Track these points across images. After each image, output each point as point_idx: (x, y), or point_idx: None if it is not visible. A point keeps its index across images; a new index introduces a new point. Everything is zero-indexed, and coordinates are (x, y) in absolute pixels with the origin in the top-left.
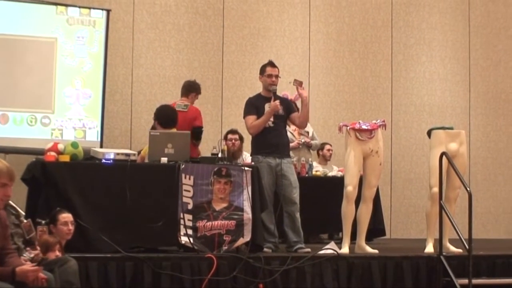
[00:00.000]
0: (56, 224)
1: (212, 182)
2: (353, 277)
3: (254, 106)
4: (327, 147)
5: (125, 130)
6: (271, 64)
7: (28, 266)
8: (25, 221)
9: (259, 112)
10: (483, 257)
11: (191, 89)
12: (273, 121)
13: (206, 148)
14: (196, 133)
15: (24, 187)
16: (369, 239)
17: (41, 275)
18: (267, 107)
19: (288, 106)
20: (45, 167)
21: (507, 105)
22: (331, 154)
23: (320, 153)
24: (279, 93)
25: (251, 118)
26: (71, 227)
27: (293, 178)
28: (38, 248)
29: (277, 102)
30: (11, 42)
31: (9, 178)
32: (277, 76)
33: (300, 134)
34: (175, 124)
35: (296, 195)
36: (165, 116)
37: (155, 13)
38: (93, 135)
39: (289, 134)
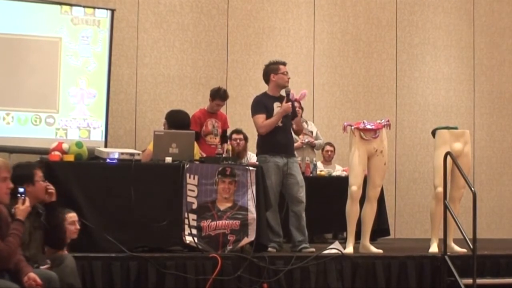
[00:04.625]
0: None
1: (217, 182)
2: (357, 276)
3: (263, 105)
4: (326, 147)
5: (129, 129)
6: (283, 62)
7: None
8: None
9: (268, 111)
10: (487, 257)
11: (209, 94)
12: (281, 121)
13: None
14: None
15: None
16: (373, 239)
17: (38, 280)
18: (275, 106)
19: (293, 109)
20: (50, 167)
21: (511, 105)
22: (330, 155)
23: (321, 153)
24: None
25: (261, 117)
26: (78, 227)
27: (300, 177)
28: None
29: (289, 104)
30: (16, 42)
31: (7, 171)
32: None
33: (304, 133)
34: (188, 129)
35: (302, 194)
36: (178, 121)
37: (159, 12)
38: (97, 135)
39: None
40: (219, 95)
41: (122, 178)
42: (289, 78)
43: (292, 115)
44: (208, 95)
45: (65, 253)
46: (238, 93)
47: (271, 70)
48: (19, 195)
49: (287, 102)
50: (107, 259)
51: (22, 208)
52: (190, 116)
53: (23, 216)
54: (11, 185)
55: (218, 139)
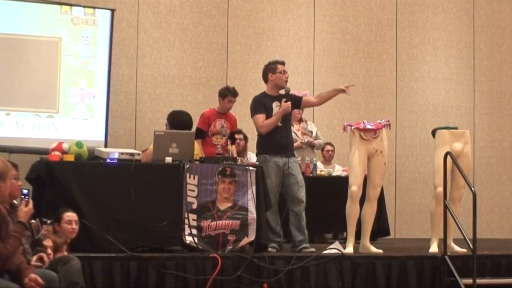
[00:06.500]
0: (60, 222)
1: (217, 182)
2: (357, 276)
3: (262, 104)
4: (327, 147)
5: (129, 129)
6: (282, 62)
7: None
8: (33, 221)
9: (267, 111)
10: (487, 256)
11: (218, 94)
12: (281, 121)
13: None
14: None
15: (28, 186)
16: (373, 238)
17: (40, 281)
18: (275, 106)
19: (295, 100)
20: (50, 167)
21: (511, 105)
22: (330, 155)
23: (321, 153)
24: None
25: (261, 117)
26: (75, 226)
27: (300, 177)
28: (48, 248)
29: (289, 103)
30: (16, 42)
31: (6, 172)
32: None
33: (303, 133)
34: (189, 129)
35: (302, 194)
36: (180, 122)
37: (159, 12)
38: (97, 135)
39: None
40: (230, 92)
41: (122, 178)
42: (287, 78)
43: (295, 106)
44: (208, 95)
45: (70, 255)
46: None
47: (269, 69)
48: (22, 196)
49: (286, 101)
50: (107, 259)
51: (25, 210)
52: (193, 116)
53: (25, 218)
54: (12, 186)
55: (224, 139)
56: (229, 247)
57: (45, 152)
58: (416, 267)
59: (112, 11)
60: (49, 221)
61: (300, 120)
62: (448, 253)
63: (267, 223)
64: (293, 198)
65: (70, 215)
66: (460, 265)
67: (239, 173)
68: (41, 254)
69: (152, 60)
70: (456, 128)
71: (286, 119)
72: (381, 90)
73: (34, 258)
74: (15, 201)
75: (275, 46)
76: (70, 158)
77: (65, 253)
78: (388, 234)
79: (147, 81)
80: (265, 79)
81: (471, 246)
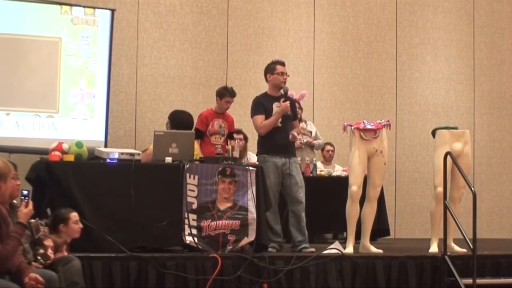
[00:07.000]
0: (67, 223)
1: (217, 182)
2: (357, 277)
3: (262, 105)
4: (327, 147)
5: (129, 129)
6: (282, 62)
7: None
8: (33, 221)
9: (267, 112)
10: (487, 256)
11: (216, 94)
12: (281, 121)
13: None
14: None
15: (28, 186)
16: (373, 239)
17: (40, 279)
18: (275, 106)
19: (293, 109)
20: (50, 167)
21: (511, 105)
22: (330, 155)
23: (321, 153)
24: None
25: (260, 118)
26: (81, 226)
27: (299, 178)
28: (49, 248)
29: (287, 103)
30: (16, 42)
31: (7, 173)
32: (287, 75)
33: (302, 134)
34: (190, 129)
35: (302, 194)
36: (181, 121)
37: (159, 12)
38: (97, 135)
39: None
40: (228, 92)
41: (122, 178)
42: (285, 78)
43: (293, 117)
44: (208, 95)
45: (70, 255)
46: (238, 93)
47: (268, 69)
48: (22, 197)
49: (285, 101)
50: (107, 259)
51: (25, 211)
52: (194, 116)
53: (25, 219)
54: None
55: (223, 139)
56: (229, 247)
57: (45, 152)
58: (416, 267)
59: (112, 11)
60: (43, 222)
61: (300, 120)
62: (448, 253)
63: (267, 223)
64: (292, 199)
65: (75, 215)
66: (460, 265)
67: (239, 173)
68: (48, 253)
69: (152, 60)
70: (456, 128)
71: (287, 120)
72: (381, 90)
73: (41, 251)
74: (14, 201)
75: (275, 46)
76: (70, 158)
77: (65, 253)
78: (388, 234)
79: (147, 81)
80: (265, 79)
81: (471, 246)
